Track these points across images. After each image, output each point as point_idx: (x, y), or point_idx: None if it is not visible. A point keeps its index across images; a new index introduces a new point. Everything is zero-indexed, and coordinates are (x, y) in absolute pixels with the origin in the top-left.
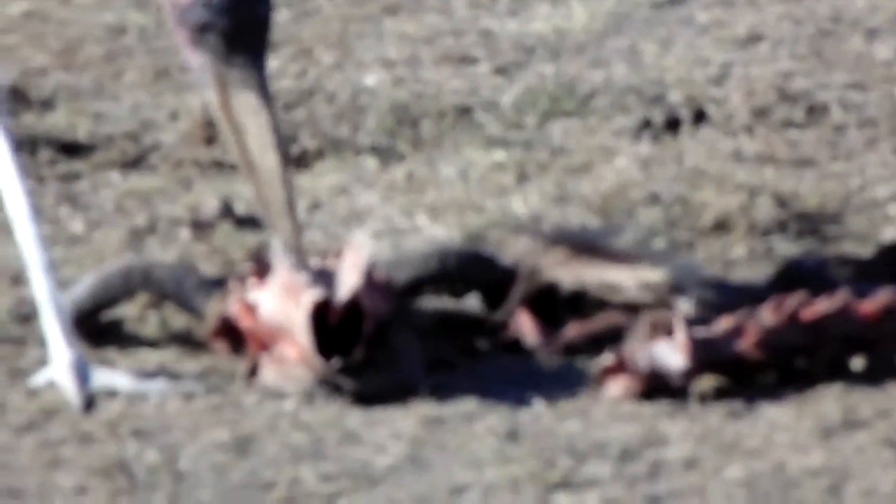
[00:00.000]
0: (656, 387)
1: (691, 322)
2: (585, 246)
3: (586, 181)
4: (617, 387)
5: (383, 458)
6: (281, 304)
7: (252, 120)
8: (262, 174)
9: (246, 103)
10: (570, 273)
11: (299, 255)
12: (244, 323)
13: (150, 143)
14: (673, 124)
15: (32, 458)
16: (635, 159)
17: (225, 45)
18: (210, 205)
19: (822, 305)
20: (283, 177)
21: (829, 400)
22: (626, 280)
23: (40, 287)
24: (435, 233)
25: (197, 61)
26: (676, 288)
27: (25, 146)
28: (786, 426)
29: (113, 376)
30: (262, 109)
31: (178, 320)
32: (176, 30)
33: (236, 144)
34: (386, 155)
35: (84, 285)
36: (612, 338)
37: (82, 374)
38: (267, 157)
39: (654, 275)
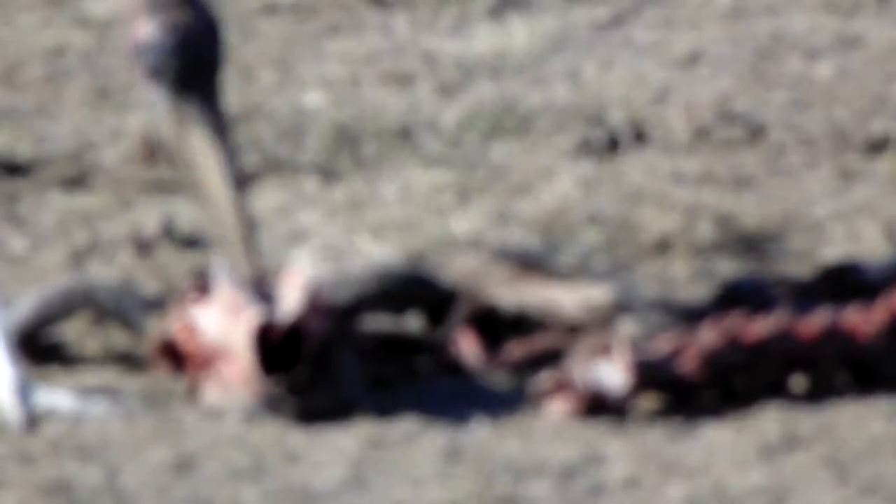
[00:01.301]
0: (597, 406)
1: (632, 342)
2: (526, 266)
3: (527, 201)
4: (557, 406)
5: (325, 478)
6: (223, 323)
7: (205, 155)
8: (217, 208)
9: (200, 139)
10: (511, 293)
11: (260, 286)
12: (185, 343)
13: (92, 163)
14: (613, 144)
15: None
16: (576, 179)
17: (177, 85)
18: (151, 224)
19: (763, 325)
20: (238, 211)
21: (770, 419)
22: (568, 300)
23: None
24: (376, 253)
25: (153, 96)
26: (618, 308)
27: None
28: (726, 446)
29: (54, 395)
30: (214, 145)
31: (120, 340)
32: (133, 64)
33: (192, 176)
34: (327, 175)
35: (26, 305)
36: (553, 357)
37: (24, 393)
38: (221, 192)
39: (596, 295)
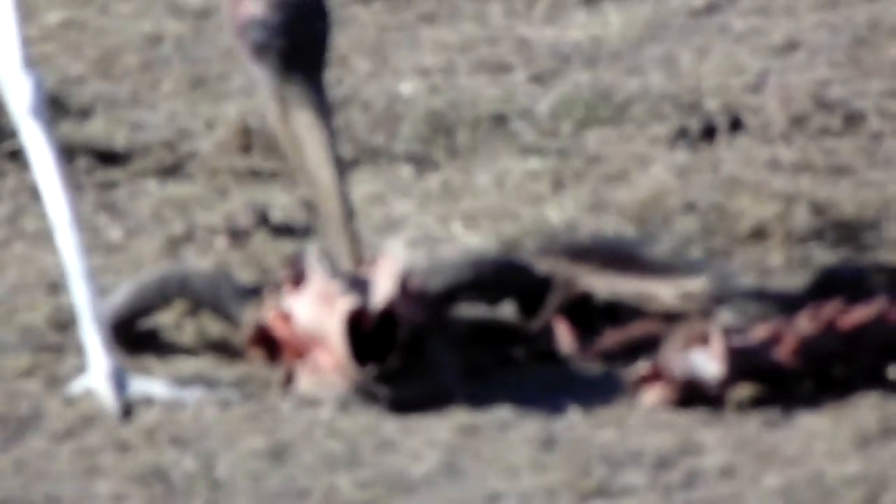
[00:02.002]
0: (692, 395)
1: (727, 331)
2: (621, 255)
3: (622, 189)
4: (653, 395)
5: (419, 466)
6: (316, 311)
7: (309, 136)
8: (318, 188)
9: (303, 120)
10: (605, 282)
11: (358, 265)
12: (279, 331)
13: (187, 152)
14: (709, 132)
15: (70, 465)
16: (671, 167)
17: (283, 63)
18: (246, 213)
19: (860, 313)
20: (338, 190)
21: (867, 408)
22: (664, 290)
23: (80, 295)
24: (470, 241)
25: (258, 74)
26: (714, 297)
27: (63, 155)
28: (823, 434)
29: (150, 384)
30: (318, 126)
31: (215, 328)
32: (237, 42)
33: (294, 158)
34: (421, 163)
35: (121, 293)
36: (648, 346)
37: (120, 382)
38: (323, 172)
39: (693, 284)
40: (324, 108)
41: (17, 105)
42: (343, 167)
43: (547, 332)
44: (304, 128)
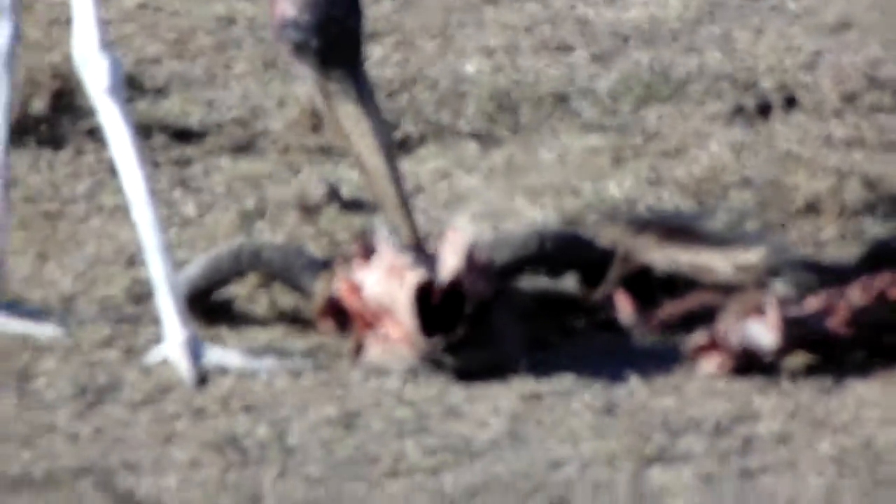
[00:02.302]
0: (748, 364)
1: (782, 302)
2: (679, 229)
3: (680, 165)
4: (710, 364)
5: (484, 433)
6: (385, 284)
7: (354, 126)
8: (369, 174)
9: (347, 112)
10: (664, 255)
11: (417, 248)
12: (350, 303)
13: (260, 130)
14: (765, 110)
15: (148, 432)
16: (728, 144)
17: (321, 61)
18: (317, 189)
19: None
20: (389, 176)
21: None
22: (721, 263)
23: (156, 268)
24: (533, 215)
25: (299, 71)
26: (769, 269)
27: (140, 132)
28: (875, 402)
29: (224, 354)
30: (362, 116)
31: (287, 300)
32: (276, 42)
33: (348, 147)
34: (486, 140)
35: (196, 266)
36: (706, 317)
37: (195, 352)
38: (373, 160)
39: (750, 257)
40: (366, 98)
41: (95, 85)
42: (393, 152)
43: (608, 304)
44: (349, 119)
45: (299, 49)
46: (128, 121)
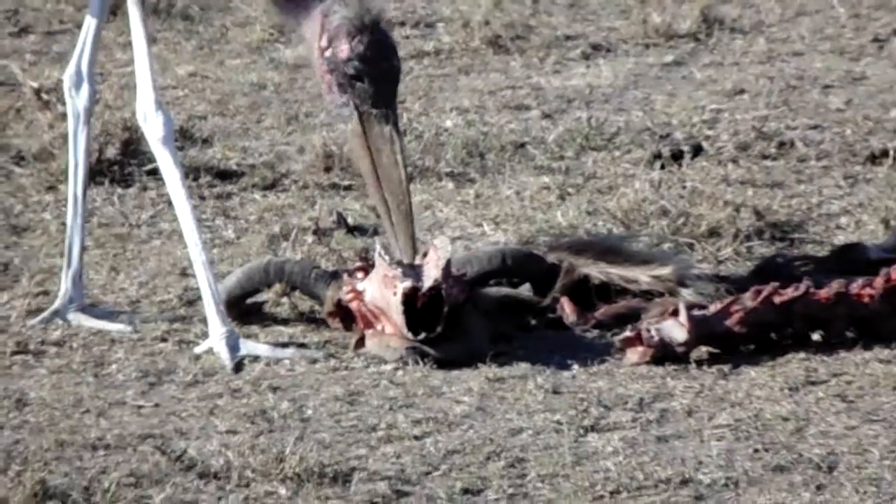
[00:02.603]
0: (665, 354)
1: (691, 305)
2: (611, 249)
3: (611, 199)
4: (635, 354)
5: (458, 408)
6: (381, 291)
7: (386, 146)
8: (390, 186)
9: (383, 133)
10: (599, 269)
11: (412, 248)
12: (353, 306)
13: (284, 171)
14: (677, 156)
15: (196, 407)
16: (648, 182)
17: (371, 89)
18: (328, 217)
19: (790, 292)
20: (406, 188)
21: (795, 364)
22: (643, 275)
23: (202, 279)
24: (497, 237)
25: (339, 100)
26: (680, 280)
27: (189, 173)
28: (762, 384)
29: (256, 346)
30: (395, 138)
31: (305, 304)
32: (324, 74)
33: (369, 164)
34: (460, 179)
35: (234, 277)
36: (632, 317)
37: (233, 345)
38: (396, 173)
39: (664, 271)
40: (397, 125)
41: (152, 136)
42: (411, 173)
43: (555, 307)
44: (383, 138)
45: (355, 77)
46: (178, 164)
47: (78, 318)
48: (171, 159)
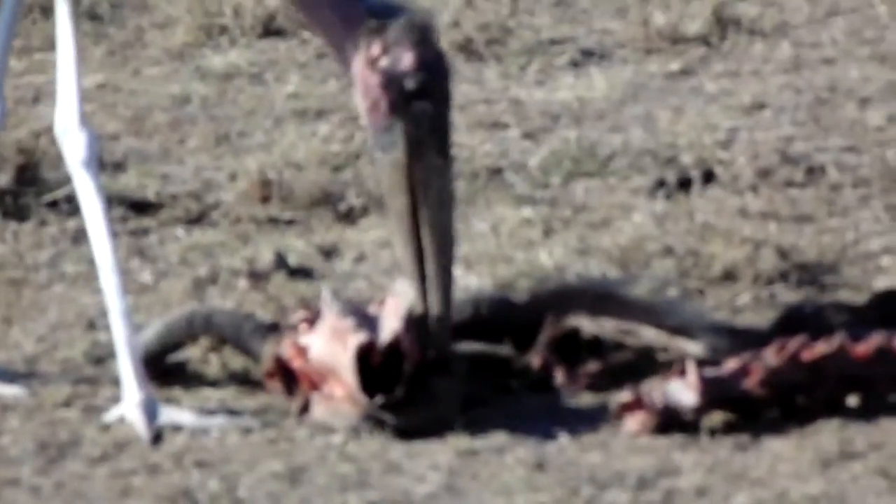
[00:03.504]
0: (670, 422)
1: (701, 363)
2: (606, 296)
3: (606, 235)
4: (634, 422)
5: (422, 487)
6: (329, 346)
7: (434, 180)
8: (434, 231)
9: (432, 164)
10: (591, 320)
11: (447, 307)
12: (296, 364)
13: (212, 202)
14: (685, 184)
15: (105, 487)
16: (651, 215)
17: (433, 110)
18: (265, 258)
19: (821, 347)
20: (451, 233)
21: (828, 433)
22: (642, 327)
23: (118, 331)
24: (469, 282)
25: (384, 123)
26: (688, 333)
27: None
28: (788, 457)
29: (178, 413)
30: (444, 172)
31: (237, 362)
32: (371, 88)
33: (407, 202)
34: None
35: (152, 330)
36: (630, 376)
37: (151, 411)
38: (443, 216)
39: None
40: (449, 158)
41: (72, 157)
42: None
43: (539, 365)
44: (432, 171)
45: (415, 95)
46: (99, 192)
47: None
48: (93, 186)
